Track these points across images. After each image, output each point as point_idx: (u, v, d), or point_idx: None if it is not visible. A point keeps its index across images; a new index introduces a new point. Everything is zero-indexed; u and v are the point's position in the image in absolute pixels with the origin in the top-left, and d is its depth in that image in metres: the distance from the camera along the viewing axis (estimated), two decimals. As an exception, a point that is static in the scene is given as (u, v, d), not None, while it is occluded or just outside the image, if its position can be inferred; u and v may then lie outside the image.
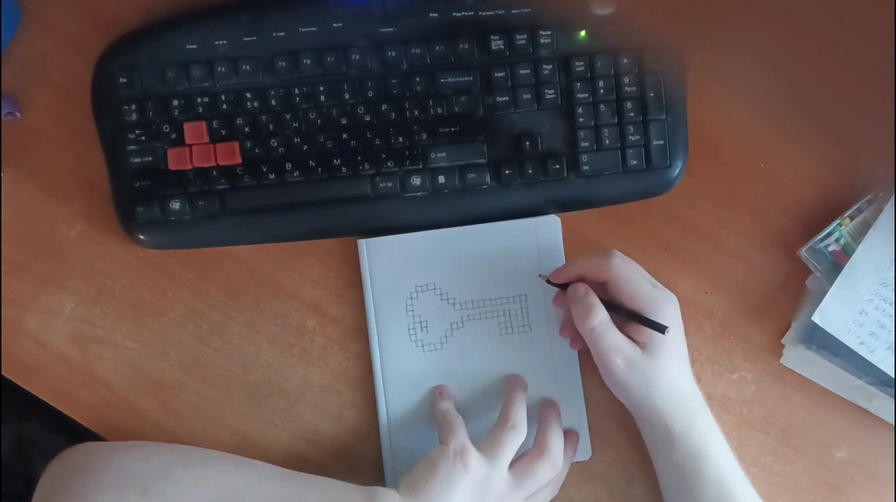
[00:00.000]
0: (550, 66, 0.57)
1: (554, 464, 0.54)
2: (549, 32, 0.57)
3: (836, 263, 0.57)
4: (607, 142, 0.57)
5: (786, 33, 0.24)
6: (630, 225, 0.60)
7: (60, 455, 0.54)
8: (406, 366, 0.58)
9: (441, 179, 0.57)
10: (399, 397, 0.58)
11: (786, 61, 0.25)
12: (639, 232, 0.60)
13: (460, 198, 0.58)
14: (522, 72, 0.57)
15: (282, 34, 0.57)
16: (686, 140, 0.58)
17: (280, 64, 0.56)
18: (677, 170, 0.58)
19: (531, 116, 0.57)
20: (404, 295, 0.58)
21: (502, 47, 0.57)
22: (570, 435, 0.58)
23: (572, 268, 0.55)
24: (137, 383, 0.58)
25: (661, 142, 0.57)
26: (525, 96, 0.57)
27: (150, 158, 0.56)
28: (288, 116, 0.57)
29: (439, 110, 0.57)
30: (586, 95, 0.57)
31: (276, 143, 0.57)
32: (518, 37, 0.57)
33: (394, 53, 0.56)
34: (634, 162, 0.58)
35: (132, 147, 0.56)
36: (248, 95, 0.56)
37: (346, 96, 0.57)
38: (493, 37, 0.57)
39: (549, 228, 0.59)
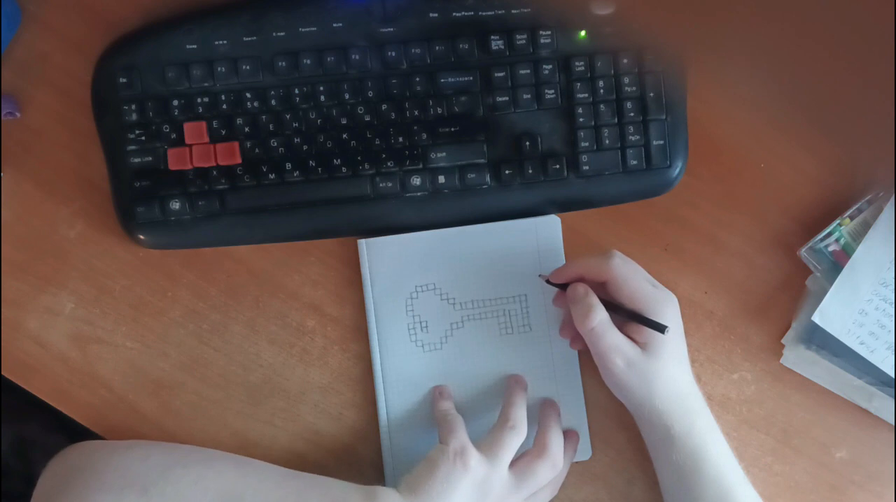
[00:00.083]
0: (550, 66, 0.57)
1: (554, 464, 0.54)
2: (549, 32, 0.57)
3: (836, 263, 0.57)
4: (607, 142, 0.57)
5: (786, 33, 0.24)
6: (630, 225, 0.60)
7: (60, 454, 0.54)
8: (406, 366, 0.58)
9: (441, 179, 0.57)
10: (399, 397, 0.58)
11: (786, 61, 0.25)
12: (639, 232, 0.60)
13: (460, 198, 0.58)
14: (522, 72, 0.57)
15: (282, 34, 0.57)
16: (686, 140, 0.58)
17: (280, 64, 0.56)
18: (677, 170, 0.58)
19: (531, 116, 0.57)
20: (404, 295, 0.58)
21: (502, 47, 0.57)
22: (570, 435, 0.58)
23: (572, 268, 0.55)
24: (137, 383, 0.58)
25: (661, 142, 0.57)
26: (525, 96, 0.57)
27: (150, 158, 0.56)
28: (288, 116, 0.57)
29: (439, 110, 0.57)
30: (586, 95, 0.57)
31: (276, 143, 0.57)
32: (518, 37, 0.57)
33: (394, 53, 0.56)
34: (634, 162, 0.58)
35: (132, 147, 0.56)
36: (248, 95, 0.56)
37: (346, 96, 0.57)
38: (493, 37, 0.57)
39: (549, 228, 0.59)
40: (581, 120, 0.57)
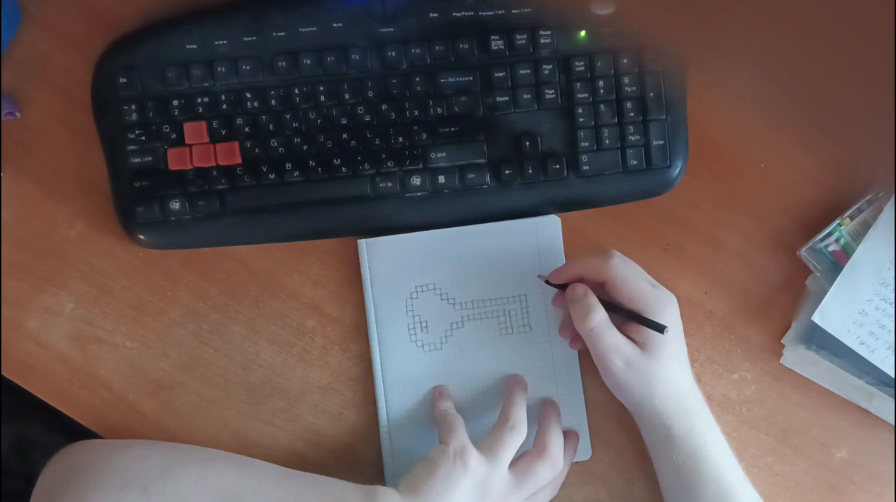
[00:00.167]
0: (550, 66, 0.57)
1: (554, 465, 0.54)
2: (549, 32, 0.57)
3: (836, 263, 0.57)
4: (607, 142, 0.57)
5: (786, 33, 0.24)
6: (630, 225, 0.60)
7: (60, 453, 0.54)
8: (406, 366, 0.58)
9: (441, 179, 0.57)
10: (399, 397, 0.58)
11: (786, 61, 0.25)
12: (639, 232, 0.60)
13: (460, 198, 0.58)
14: (522, 72, 0.57)
15: (282, 34, 0.57)
16: (686, 140, 0.58)
17: (280, 64, 0.56)
18: (677, 170, 0.58)
19: (531, 116, 0.57)
20: (404, 295, 0.58)
21: (502, 47, 0.57)
22: (570, 435, 0.58)
23: (571, 269, 0.55)
24: (137, 383, 0.58)
25: (661, 142, 0.57)
26: (525, 96, 0.57)
27: (150, 158, 0.56)
28: (288, 116, 0.57)
29: (439, 110, 0.57)
30: (586, 95, 0.57)
31: (276, 143, 0.57)
32: (518, 37, 0.57)
33: (394, 53, 0.56)
34: (634, 162, 0.58)
35: (132, 147, 0.56)
36: (248, 95, 0.56)
37: (346, 96, 0.57)
38: (493, 37, 0.57)
39: (549, 228, 0.59)
40: (581, 120, 0.57)
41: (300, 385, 0.59)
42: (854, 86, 0.24)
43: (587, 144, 0.57)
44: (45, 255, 0.58)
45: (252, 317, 0.59)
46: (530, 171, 0.57)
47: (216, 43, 0.56)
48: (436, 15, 0.57)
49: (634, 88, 0.57)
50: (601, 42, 0.57)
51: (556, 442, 0.55)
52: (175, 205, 0.56)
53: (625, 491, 0.59)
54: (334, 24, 0.57)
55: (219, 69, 0.56)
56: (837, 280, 0.56)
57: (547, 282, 0.56)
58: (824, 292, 0.57)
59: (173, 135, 0.56)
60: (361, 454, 0.59)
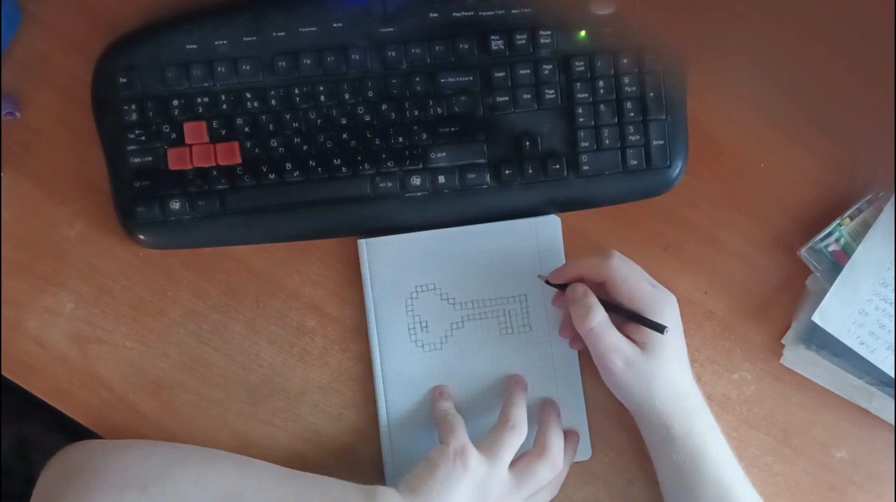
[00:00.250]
0: (550, 66, 0.57)
1: (554, 465, 0.54)
2: (549, 32, 0.57)
3: (836, 263, 0.57)
4: (607, 142, 0.57)
5: (786, 33, 0.24)
6: (630, 225, 0.60)
7: (60, 453, 0.54)
8: (406, 366, 0.58)
9: (441, 179, 0.57)
10: (399, 397, 0.58)
11: (786, 61, 0.25)
12: (639, 232, 0.60)
13: (460, 198, 0.58)
14: (522, 72, 0.57)
15: (282, 34, 0.57)
16: (686, 140, 0.58)
17: (280, 64, 0.56)
18: (677, 170, 0.58)
19: (531, 116, 0.57)
20: (404, 295, 0.58)
21: (502, 47, 0.57)
22: (570, 435, 0.58)
23: (571, 269, 0.55)
24: (137, 383, 0.58)
25: (661, 142, 0.57)
26: (525, 96, 0.57)
27: (150, 158, 0.56)
28: (288, 116, 0.57)
29: (439, 110, 0.57)
30: (586, 95, 0.57)
31: (276, 143, 0.57)
32: (518, 37, 0.57)
33: (394, 53, 0.56)
34: (634, 162, 0.58)
35: (132, 147, 0.56)
36: (248, 95, 0.56)
37: (346, 96, 0.57)
38: (493, 37, 0.57)
39: (549, 228, 0.59)
40: (581, 120, 0.57)
41: (300, 385, 0.59)
42: (854, 86, 0.24)
43: (587, 144, 0.57)
44: (45, 255, 0.58)
45: (252, 317, 0.59)
46: (530, 171, 0.57)
47: (216, 43, 0.56)
48: (436, 15, 0.57)
49: (634, 88, 0.57)
50: (601, 42, 0.57)
51: (556, 442, 0.55)
52: (175, 205, 0.56)
53: (625, 491, 0.59)
54: (334, 24, 0.57)
55: (219, 69, 0.56)
56: (837, 280, 0.56)
57: (547, 282, 0.56)
58: (824, 292, 0.57)
59: (173, 135, 0.56)
60: (361, 454, 0.59)
